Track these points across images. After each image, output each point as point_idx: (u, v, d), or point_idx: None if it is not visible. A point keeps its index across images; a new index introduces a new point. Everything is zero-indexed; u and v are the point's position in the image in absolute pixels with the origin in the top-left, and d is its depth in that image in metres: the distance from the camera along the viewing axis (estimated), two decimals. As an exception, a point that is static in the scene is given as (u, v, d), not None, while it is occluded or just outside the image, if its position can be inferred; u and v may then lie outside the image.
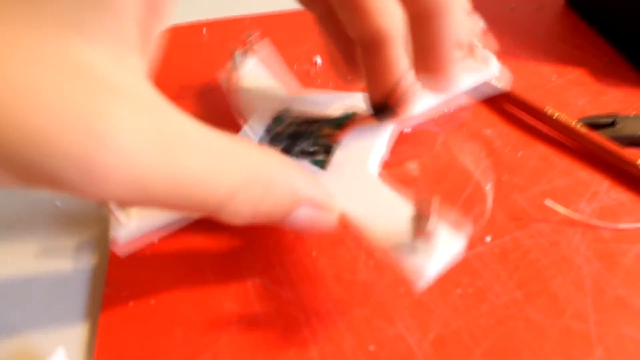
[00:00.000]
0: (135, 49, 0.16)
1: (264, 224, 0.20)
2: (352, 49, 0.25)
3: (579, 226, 0.26)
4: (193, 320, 0.23)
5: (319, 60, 0.38)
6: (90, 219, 0.28)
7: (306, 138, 0.27)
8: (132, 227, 0.24)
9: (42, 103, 0.14)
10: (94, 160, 0.14)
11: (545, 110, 0.31)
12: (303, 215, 0.20)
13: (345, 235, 0.26)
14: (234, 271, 0.25)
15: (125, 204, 0.20)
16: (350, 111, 0.28)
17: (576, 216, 0.26)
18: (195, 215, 0.20)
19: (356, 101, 0.28)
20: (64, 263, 0.26)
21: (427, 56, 0.24)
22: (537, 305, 0.23)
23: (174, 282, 0.24)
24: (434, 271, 0.19)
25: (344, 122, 0.27)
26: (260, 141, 0.27)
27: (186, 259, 0.25)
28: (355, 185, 0.24)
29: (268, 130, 0.28)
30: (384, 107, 0.25)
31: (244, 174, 0.18)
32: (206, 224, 0.26)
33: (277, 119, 0.28)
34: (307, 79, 0.37)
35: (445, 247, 0.19)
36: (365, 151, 0.25)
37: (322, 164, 0.25)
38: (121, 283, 0.25)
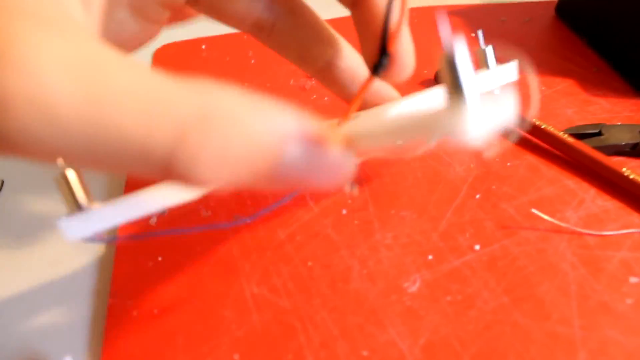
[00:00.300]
0: None
1: (252, 184, 0.15)
2: None
3: (566, 233, 0.27)
4: (194, 329, 0.24)
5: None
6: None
7: None
8: (90, 217, 0.19)
9: None
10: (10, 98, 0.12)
11: (533, 121, 0.32)
12: (297, 157, 0.15)
13: (340, 245, 0.27)
14: (233, 281, 0.26)
15: (36, 148, 0.13)
16: None
17: (562, 224, 0.27)
18: (144, 173, 0.14)
19: None
20: (70, 274, 0.27)
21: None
22: (523, 311, 0.24)
23: (175, 292, 0.25)
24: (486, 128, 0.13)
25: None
26: None
27: (186, 269, 0.26)
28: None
29: None
30: (381, 57, 0.22)
31: (193, 108, 0.14)
32: (206, 236, 0.27)
33: None
34: (303, 94, 0.38)
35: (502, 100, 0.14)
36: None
37: None
38: (125, 293, 0.26)
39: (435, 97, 0.25)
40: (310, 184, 0.16)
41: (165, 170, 0.14)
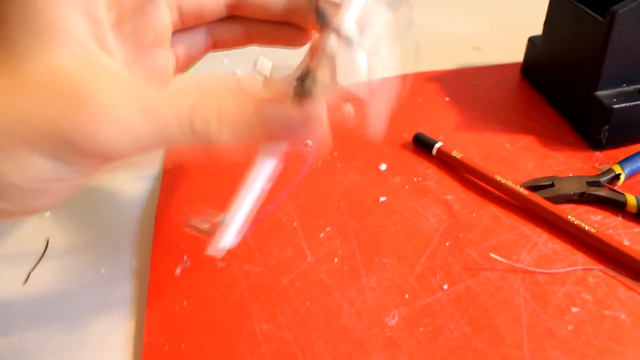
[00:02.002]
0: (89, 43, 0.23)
1: (255, 137, 0.24)
2: None
3: (520, 272, 0.33)
4: (215, 359, 0.30)
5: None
6: (126, 278, 0.35)
7: None
8: (226, 237, 0.26)
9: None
10: (100, 126, 0.21)
11: (495, 177, 0.38)
12: (272, 114, 0.24)
13: (332, 288, 0.32)
14: (245, 319, 0.31)
15: (124, 152, 0.22)
16: None
17: (517, 265, 0.33)
18: (185, 143, 0.23)
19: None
20: (110, 319, 0.33)
21: None
22: (482, 338, 0.29)
23: (198, 330, 0.31)
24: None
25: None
26: None
27: (207, 311, 0.32)
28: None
29: None
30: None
31: (194, 94, 0.23)
32: (222, 283, 0.33)
33: None
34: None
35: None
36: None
37: None
38: (157, 332, 0.31)
39: None
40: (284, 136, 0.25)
41: (191, 137, 0.23)
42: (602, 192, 0.37)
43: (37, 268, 0.37)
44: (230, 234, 0.26)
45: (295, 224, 0.37)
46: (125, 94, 0.22)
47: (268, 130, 0.24)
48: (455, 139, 0.44)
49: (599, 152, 0.41)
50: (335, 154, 0.43)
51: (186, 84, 0.24)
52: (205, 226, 0.27)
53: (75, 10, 0.22)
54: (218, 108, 0.23)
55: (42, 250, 0.38)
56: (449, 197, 0.38)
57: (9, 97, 0.20)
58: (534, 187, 0.38)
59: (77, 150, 0.21)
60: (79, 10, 0.22)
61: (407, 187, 0.39)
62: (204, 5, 0.29)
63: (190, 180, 0.41)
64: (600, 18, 0.38)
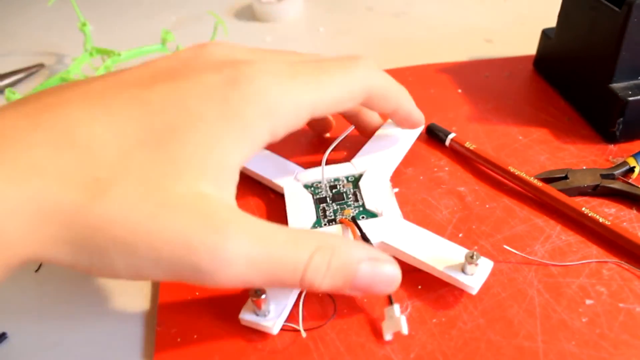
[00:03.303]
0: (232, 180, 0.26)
1: (341, 288, 0.26)
2: None
3: (533, 264, 0.32)
4: (227, 350, 0.29)
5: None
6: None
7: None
8: (276, 317, 0.29)
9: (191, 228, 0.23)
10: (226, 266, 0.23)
11: (508, 168, 0.38)
12: (367, 271, 0.26)
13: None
14: (257, 310, 0.31)
15: (230, 285, 0.25)
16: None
17: (531, 257, 0.33)
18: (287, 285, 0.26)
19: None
20: (121, 309, 0.33)
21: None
22: (495, 329, 0.29)
23: (210, 320, 0.31)
24: (480, 284, 0.30)
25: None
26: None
27: (219, 302, 0.32)
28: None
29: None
30: None
31: (315, 243, 0.25)
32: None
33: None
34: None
35: (484, 270, 0.30)
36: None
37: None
38: (169, 323, 0.31)
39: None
40: (377, 289, 0.27)
41: (300, 282, 0.25)
42: (616, 185, 0.36)
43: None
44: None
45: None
46: (251, 235, 0.24)
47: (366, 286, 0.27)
48: (468, 130, 0.44)
49: (612, 145, 0.41)
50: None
51: (304, 232, 0.27)
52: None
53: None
54: (329, 261, 0.25)
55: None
56: (462, 188, 0.38)
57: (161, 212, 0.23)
58: (548, 179, 0.38)
59: (191, 278, 0.24)
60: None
61: (421, 177, 0.39)
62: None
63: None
64: (616, 9, 0.38)
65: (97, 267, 0.23)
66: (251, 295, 0.28)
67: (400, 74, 0.51)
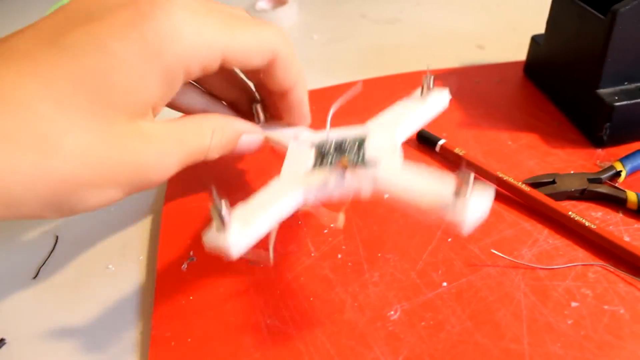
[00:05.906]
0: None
1: (228, 153, 0.33)
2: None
3: (521, 268, 0.33)
4: (220, 352, 0.30)
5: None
6: (134, 273, 0.36)
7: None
8: (242, 232, 0.25)
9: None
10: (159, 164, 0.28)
11: (497, 174, 0.38)
12: (244, 140, 0.33)
13: (336, 283, 0.33)
14: (250, 314, 0.32)
15: (165, 178, 0.29)
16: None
17: (518, 261, 0.33)
18: (206, 157, 0.31)
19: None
20: (117, 314, 0.34)
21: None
22: (483, 332, 0.30)
23: (204, 324, 0.32)
24: (473, 220, 0.24)
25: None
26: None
27: (213, 306, 0.33)
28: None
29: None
30: None
31: (211, 126, 0.31)
32: (227, 278, 0.34)
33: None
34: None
35: (478, 204, 0.25)
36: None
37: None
38: (164, 327, 0.32)
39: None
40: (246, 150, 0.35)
41: (203, 154, 0.31)
42: (603, 189, 0.37)
43: (46, 263, 0.38)
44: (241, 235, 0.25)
45: (299, 221, 0.37)
46: (172, 139, 0.29)
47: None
48: (458, 136, 0.44)
49: (600, 150, 0.42)
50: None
51: (202, 118, 0.32)
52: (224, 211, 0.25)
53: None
54: (221, 139, 0.32)
55: (52, 246, 0.39)
56: (451, 194, 0.39)
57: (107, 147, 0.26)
58: (536, 184, 0.38)
59: (142, 187, 0.28)
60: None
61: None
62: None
63: (197, 176, 0.42)
64: (602, 17, 0.39)
65: (67, 210, 0.26)
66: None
67: (391, 82, 0.52)
